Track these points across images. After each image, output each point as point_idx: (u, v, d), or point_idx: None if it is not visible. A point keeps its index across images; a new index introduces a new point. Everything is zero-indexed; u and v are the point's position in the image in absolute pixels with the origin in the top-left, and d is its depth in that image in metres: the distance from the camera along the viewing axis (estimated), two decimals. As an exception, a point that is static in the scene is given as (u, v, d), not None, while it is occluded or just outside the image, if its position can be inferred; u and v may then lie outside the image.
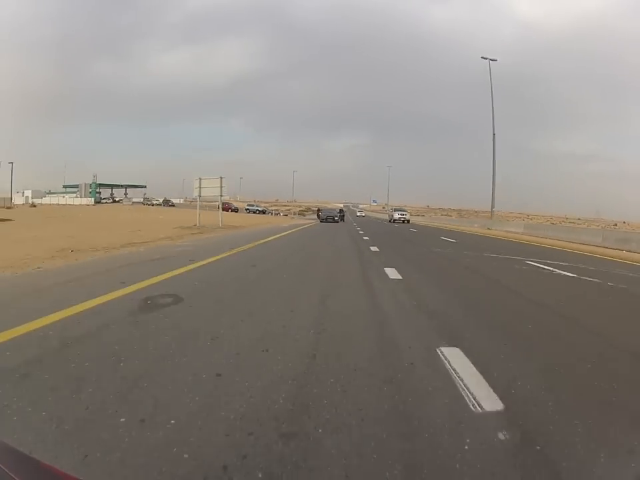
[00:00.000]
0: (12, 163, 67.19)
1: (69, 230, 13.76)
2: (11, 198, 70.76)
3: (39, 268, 5.57)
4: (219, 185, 16.78)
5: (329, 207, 63.71)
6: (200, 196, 17.70)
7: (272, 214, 62.23)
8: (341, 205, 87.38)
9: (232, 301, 4.14)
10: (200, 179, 17.39)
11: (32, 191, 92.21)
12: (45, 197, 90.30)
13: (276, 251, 10.10)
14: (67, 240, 10.07)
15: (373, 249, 10.83)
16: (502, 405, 1.94)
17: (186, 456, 1.47)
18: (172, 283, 4.85)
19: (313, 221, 36.41)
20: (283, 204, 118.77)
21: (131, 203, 68.47)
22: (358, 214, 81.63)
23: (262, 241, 12.14)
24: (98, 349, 2.51)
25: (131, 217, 24.91)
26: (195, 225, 17.39)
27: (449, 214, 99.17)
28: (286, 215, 63.53)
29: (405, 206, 78.37)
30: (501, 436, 1.68)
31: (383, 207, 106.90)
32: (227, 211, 28.17)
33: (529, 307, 4.54)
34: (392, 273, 6.28)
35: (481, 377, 2.24)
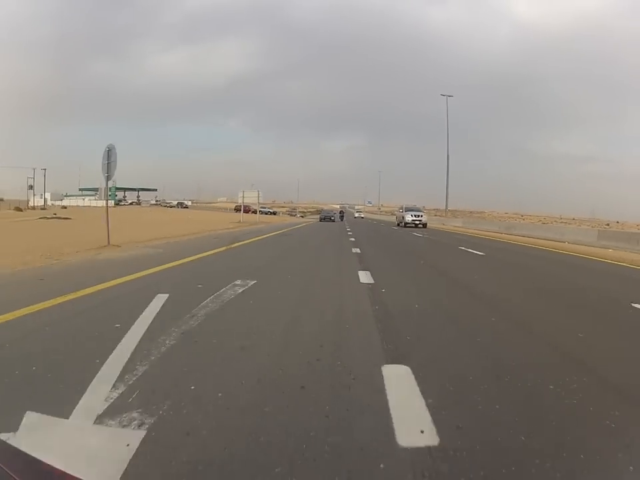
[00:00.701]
0: (45, 169, 76.14)
1: (150, 225, 23.13)
2: (45, 201, 79.86)
3: (225, 230, 16.08)
4: (256, 195, 27.54)
5: (327, 208, 75.06)
6: (243, 203, 28.44)
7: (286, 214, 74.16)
8: (338, 207, 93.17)
9: (302, 237, 14.74)
10: (243, 191, 28.04)
11: (51, 194, 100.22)
12: (62, 199, 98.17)
13: (301, 230, 20.71)
14: (172, 229, 19.66)
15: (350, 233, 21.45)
16: (355, 244, 12.58)
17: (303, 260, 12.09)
18: (281, 234, 15.39)
19: (314, 220, 47.46)
20: (280, 205, 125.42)
21: (149, 205, 78.21)
22: (356, 215, 79.13)
23: (291, 228, 22.83)
24: (278, 241, 13.16)
25: (165, 217, 34.03)
26: (239, 221, 27.86)
27: (443, 214, 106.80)
28: (302, 216, 75.06)
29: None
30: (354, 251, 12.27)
31: (379, 209, 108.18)
32: (248, 212, 37.06)
33: (390, 240, 15.16)
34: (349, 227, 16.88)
35: (352, 234, 12.87)
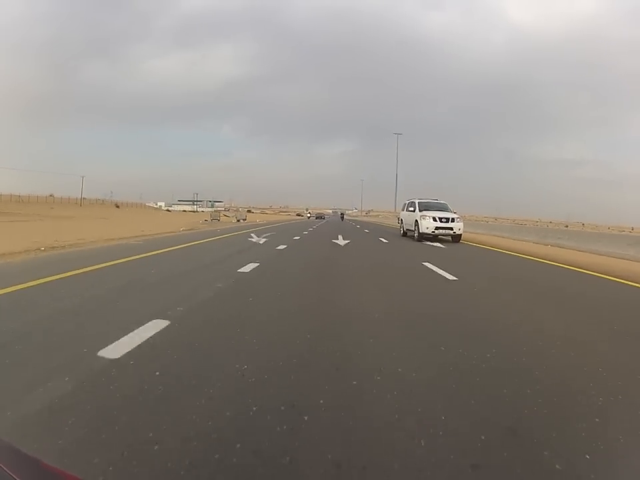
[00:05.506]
0: (197, 193, 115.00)
1: (270, 217, 65.92)
2: (160, 207, 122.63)
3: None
4: (310, 209, 69.12)
5: (320, 212, 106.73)
6: (301, 212, 70.12)
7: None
8: (330, 211, 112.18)
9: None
10: (307, 208, 69.78)
11: (164, 203, 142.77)
12: (171, 206, 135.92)
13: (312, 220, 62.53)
14: (284, 218, 61.66)
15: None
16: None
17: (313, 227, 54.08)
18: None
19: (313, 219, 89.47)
20: (277, 209, 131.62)
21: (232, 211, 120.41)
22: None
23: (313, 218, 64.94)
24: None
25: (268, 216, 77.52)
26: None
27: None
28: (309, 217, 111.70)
29: (388, 212, 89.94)
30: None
31: (367, 213, 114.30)
32: (301, 216, 77.99)
33: (342, 227, 56.50)
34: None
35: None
